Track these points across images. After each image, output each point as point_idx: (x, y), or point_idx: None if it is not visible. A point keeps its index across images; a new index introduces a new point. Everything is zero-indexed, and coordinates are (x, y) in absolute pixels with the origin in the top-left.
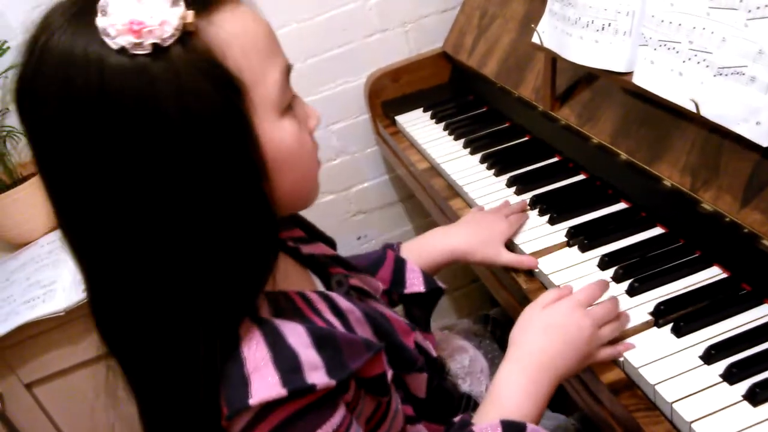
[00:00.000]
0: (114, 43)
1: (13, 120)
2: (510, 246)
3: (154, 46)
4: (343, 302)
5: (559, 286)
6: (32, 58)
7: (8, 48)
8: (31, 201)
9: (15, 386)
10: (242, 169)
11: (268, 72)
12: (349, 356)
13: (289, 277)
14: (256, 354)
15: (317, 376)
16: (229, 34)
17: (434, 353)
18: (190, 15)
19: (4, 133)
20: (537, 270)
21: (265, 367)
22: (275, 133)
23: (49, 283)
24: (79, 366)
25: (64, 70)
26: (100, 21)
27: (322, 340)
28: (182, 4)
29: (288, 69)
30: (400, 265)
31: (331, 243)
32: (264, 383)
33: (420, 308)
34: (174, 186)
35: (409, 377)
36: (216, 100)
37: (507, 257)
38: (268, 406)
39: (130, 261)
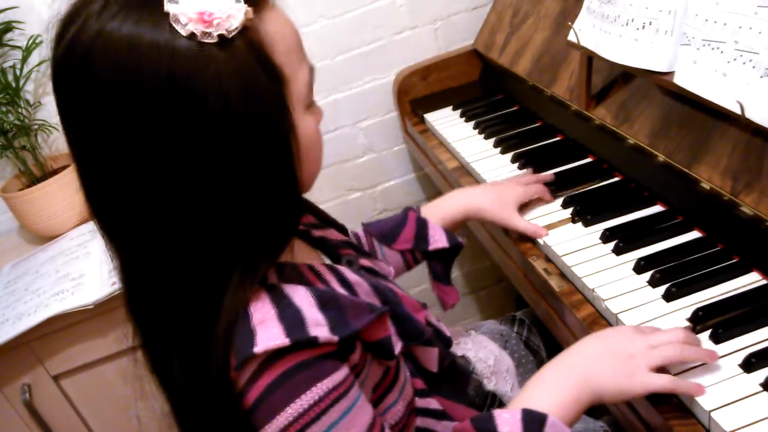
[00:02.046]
0: (185, 30)
1: (44, 113)
2: (539, 243)
3: (220, 36)
4: (350, 275)
5: (593, 290)
6: (83, 38)
7: (41, 42)
8: (61, 194)
9: (43, 378)
10: (282, 149)
11: (301, 70)
12: (353, 316)
13: (299, 254)
14: (262, 310)
15: (320, 330)
16: (274, 32)
17: (447, 332)
18: (250, 11)
19: (36, 127)
20: (570, 272)
21: (270, 321)
22: (304, 125)
23: (78, 275)
24: (106, 359)
25: (130, 54)
26: (171, 8)
27: (326, 301)
28: (242, 0)
29: (312, 70)
30: (422, 224)
31: (342, 230)
32: (269, 334)
33: (441, 264)
34: (225, 161)
35: (418, 350)
36: (269, 88)
37: (518, 221)
38: (273, 356)
39: (169, 228)
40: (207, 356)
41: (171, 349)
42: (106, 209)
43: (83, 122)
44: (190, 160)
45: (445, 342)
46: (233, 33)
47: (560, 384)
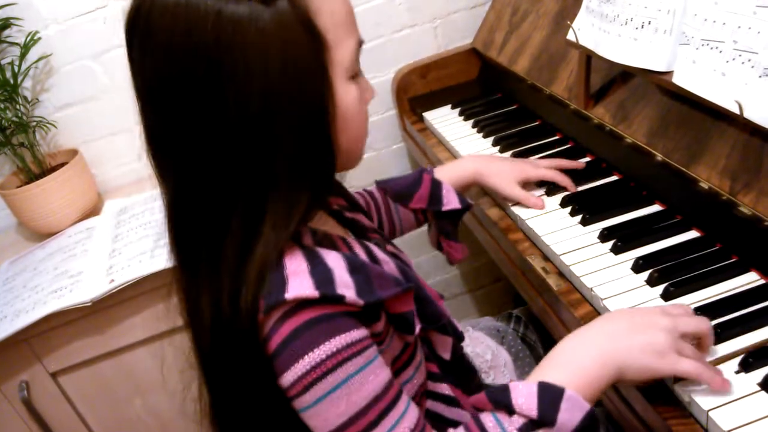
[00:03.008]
0: None
1: (42, 110)
2: (537, 241)
3: None
4: (379, 253)
5: (591, 288)
6: (145, 4)
7: (39, 39)
8: (59, 191)
9: (41, 375)
10: (320, 111)
11: (346, 40)
12: (379, 286)
13: (331, 231)
14: (295, 263)
15: (348, 292)
16: (322, 0)
17: (459, 327)
18: None
19: (34, 124)
20: (568, 271)
21: (302, 273)
22: (343, 92)
23: (76, 273)
24: (105, 356)
25: (179, 15)
26: None
27: (356, 267)
28: None
29: (360, 44)
30: (436, 185)
31: (369, 218)
32: (300, 284)
33: (450, 222)
34: (265, 118)
35: (434, 336)
36: (309, 50)
37: (512, 189)
38: (300, 304)
39: (213, 180)
40: (237, 297)
41: (205, 287)
42: (162, 149)
43: (145, 74)
44: (234, 111)
45: (458, 336)
46: None
47: (582, 359)
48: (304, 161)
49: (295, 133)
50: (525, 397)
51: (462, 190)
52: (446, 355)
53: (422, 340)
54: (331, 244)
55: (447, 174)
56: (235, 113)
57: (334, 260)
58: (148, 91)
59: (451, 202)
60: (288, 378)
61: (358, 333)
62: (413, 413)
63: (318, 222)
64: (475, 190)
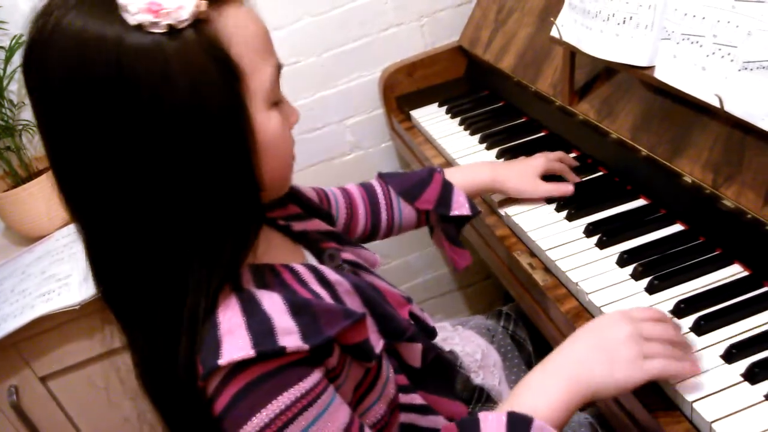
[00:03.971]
0: (133, 20)
1: (29, 114)
2: (523, 237)
3: (170, 27)
4: (331, 274)
5: (576, 283)
6: (43, 33)
7: (24, 42)
8: (46, 195)
9: (30, 379)
10: (236, 144)
11: (263, 66)
12: (326, 323)
13: (279, 252)
14: (231, 319)
15: (290, 339)
16: (234, 26)
17: (431, 322)
18: (203, 4)
19: (20, 127)
20: (554, 266)
21: (238, 330)
22: (263, 121)
23: (64, 276)
24: (94, 360)
25: (79, 47)
26: None
27: (298, 308)
28: None
29: (279, 68)
30: (447, 188)
31: (328, 218)
32: (234, 345)
33: (454, 227)
34: (175, 155)
35: (401, 346)
36: (219, 81)
37: (542, 187)
38: (238, 367)
39: (129, 222)
40: (174, 358)
41: (144, 349)
42: (72, 194)
43: (45, 113)
44: (142, 148)
45: (429, 333)
46: (183, 24)
47: (549, 386)
48: (224, 198)
49: (212, 169)
50: (494, 429)
51: (472, 196)
52: (416, 364)
53: (389, 352)
54: (274, 277)
55: (460, 178)
56: (142, 151)
57: (274, 304)
58: (50, 129)
59: (460, 207)
60: None
61: (308, 382)
62: None
63: (264, 246)
64: None
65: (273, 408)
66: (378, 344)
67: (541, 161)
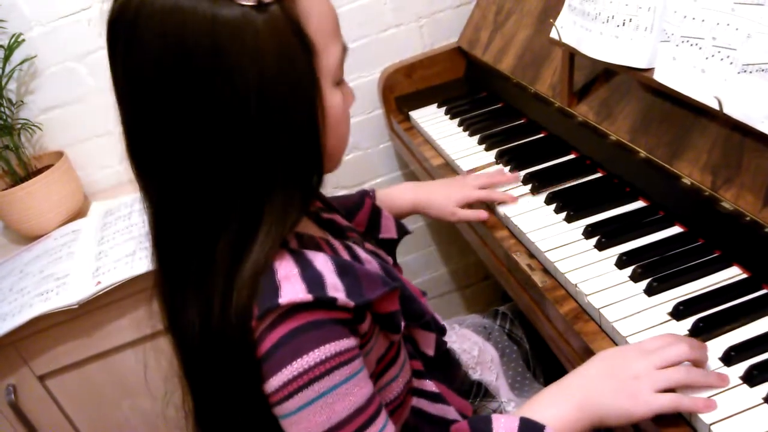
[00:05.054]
0: None
1: (27, 113)
2: (522, 239)
3: (258, 1)
4: (361, 252)
5: (575, 285)
6: (129, 8)
7: (23, 40)
8: (45, 194)
9: (28, 378)
10: (310, 116)
11: (332, 46)
12: (367, 287)
13: (314, 233)
14: (287, 268)
15: (339, 294)
16: (309, 6)
17: (441, 321)
18: None
19: (19, 126)
20: (553, 268)
21: (293, 277)
22: (330, 97)
23: (62, 275)
24: (92, 359)
25: (175, 21)
26: None
27: (344, 269)
28: None
29: (345, 50)
30: (376, 213)
31: (346, 217)
32: (292, 288)
33: (388, 249)
34: (257, 122)
35: (418, 333)
36: (301, 56)
37: (458, 213)
38: (294, 308)
39: (203, 180)
40: (229, 303)
41: (193, 295)
42: (146, 155)
43: (133, 79)
44: (226, 116)
45: (440, 330)
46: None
47: (560, 404)
48: (296, 165)
49: (288, 137)
50: (506, 429)
51: (400, 217)
52: (430, 351)
53: (405, 338)
54: (316, 246)
55: (387, 202)
56: (230, 118)
57: (322, 263)
58: (135, 96)
59: (389, 230)
60: (274, 383)
61: (347, 342)
62: (390, 429)
63: (299, 225)
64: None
65: (314, 356)
66: (400, 317)
67: (465, 191)
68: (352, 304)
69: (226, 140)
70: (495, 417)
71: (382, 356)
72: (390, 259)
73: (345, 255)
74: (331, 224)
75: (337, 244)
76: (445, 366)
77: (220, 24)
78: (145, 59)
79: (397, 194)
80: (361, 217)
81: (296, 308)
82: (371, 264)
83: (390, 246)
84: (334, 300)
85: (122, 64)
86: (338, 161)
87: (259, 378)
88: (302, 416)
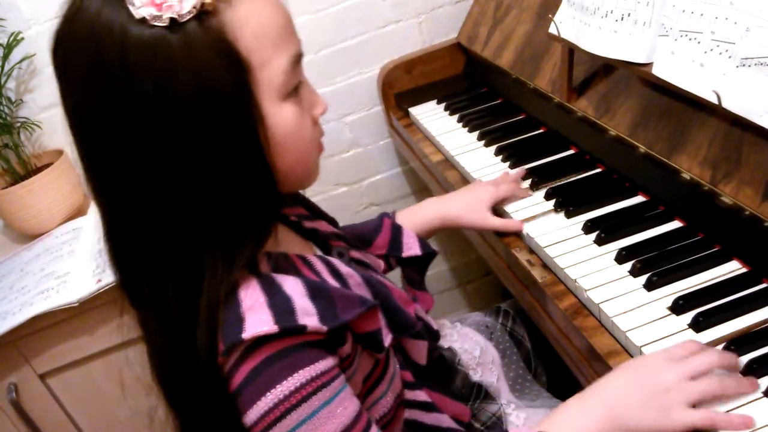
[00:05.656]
0: (137, 13)
1: (27, 111)
2: (524, 236)
3: (171, 20)
4: (342, 267)
5: (575, 280)
6: (67, 20)
7: (22, 39)
8: (44, 192)
9: (29, 376)
10: (245, 137)
11: (275, 57)
12: (342, 309)
13: (290, 246)
14: (252, 297)
15: (309, 320)
16: (243, 18)
17: (435, 325)
18: None
19: (18, 124)
20: (552, 263)
21: (259, 308)
22: (275, 114)
23: (63, 273)
24: (93, 357)
25: (91, 36)
26: None
27: (316, 292)
28: None
29: (298, 57)
30: (396, 231)
31: (332, 222)
32: (257, 320)
33: (416, 271)
34: (184, 149)
35: (408, 343)
36: (225, 74)
37: (492, 221)
38: (257, 342)
39: (147, 208)
40: (192, 337)
41: (160, 335)
42: (94, 176)
43: (65, 98)
44: (152, 138)
45: (433, 335)
46: (186, 17)
47: (584, 417)
48: (240, 191)
49: (223, 164)
50: None
51: (428, 235)
52: (422, 361)
53: (395, 348)
54: (289, 265)
55: (409, 219)
56: (155, 142)
57: (292, 286)
58: (72, 120)
59: (411, 247)
60: (251, 416)
61: (323, 364)
62: None
63: (275, 239)
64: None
65: (289, 384)
66: (387, 337)
67: (491, 192)
68: (324, 328)
69: (153, 167)
70: (512, 429)
71: (368, 375)
72: (381, 265)
73: (324, 272)
74: (315, 233)
75: (315, 261)
76: (440, 372)
77: (130, 44)
78: (74, 85)
79: (421, 211)
80: (382, 238)
81: (263, 340)
82: (353, 278)
83: (419, 264)
84: (303, 328)
85: (61, 91)
86: (306, 177)
87: (236, 411)
88: None
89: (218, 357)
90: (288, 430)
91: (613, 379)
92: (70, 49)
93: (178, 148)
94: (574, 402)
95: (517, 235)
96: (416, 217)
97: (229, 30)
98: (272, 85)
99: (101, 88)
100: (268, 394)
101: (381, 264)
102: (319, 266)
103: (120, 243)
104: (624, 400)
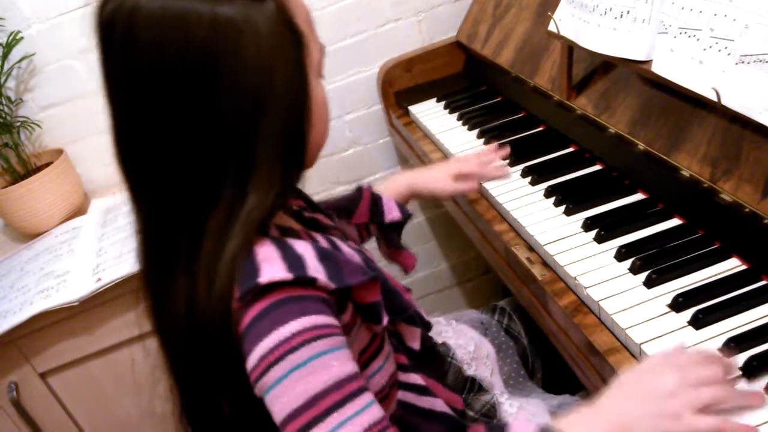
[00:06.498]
0: None
1: (27, 110)
2: (522, 232)
3: None
4: (343, 245)
5: (575, 278)
6: (122, 12)
7: (21, 38)
8: (44, 191)
9: (29, 375)
10: (301, 103)
11: (314, 42)
12: (347, 273)
13: (294, 227)
14: (267, 252)
15: (319, 275)
16: (294, 3)
17: (426, 317)
18: None
19: (18, 124)
20: (552, 261)
21: (274, 259)
22: (316, 90)
23: (62, 273)
24: (93, 356)
25: (174, 19)
26: None
27: (324, 255)
28: None
29: (323, 48)
30: (376, 199)
31: (329, 217)
32: (272, 269)
33: (395, 233)
34: (254, 111)
35: (402, 327)
36: (294, 46)
37: (453, 186)
38: (272, 286)
39: (199, 171)
40: (212, 287)
41: (179, 284)
42: (139, 154)
43: (130, 81)
44: (224, 107)
45: (425, 325)
46: None
47: (592, 426)
48: (284, 153)
49: (280, 128)
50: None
51: (402, 202)
52: (415, 345)
53: (390, 333)
54: (296, 236)
55: (384, 190)
56: (226, 112)
57: (303, 248)
58: (132, 96)
59: (392, 212)
60: (253, 358)
61: (326, 318)
62: (377, 412)
63: (279, 221)
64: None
65: (293, 326)
66: (384, 318)
67: (455, 166)
68: (332, 285)
69: (216, 133)
70: (512, 423)
71: (365, 348)
72: (374, 256)
73: (326, 245)
74: (314, 222)
75: (318, 236)
76: (432, 361)
77: (220, 22)
78: (145, 59)
79: (392, 181)
80: (362, 208)
81: (275, 285)
82: (353, 257)
83: (397, 228)
84: (314, 280)
85: (121, 64)
86: (314, 158)
87: (241, 358)
88: (280, 390)
89: (233, 302)
90: (283, 373)
91: (618, 388)
92: (143, 28)
93: (247, 113)
94: (583, 411)
95: (517, 232)
96: (390, 188)
97: (291, 10)
98: (314, 64)
99: (186, 64)
100: (271, 334)
101: (374, 256)
102: (322, 241)
103: (162, 207)
104: (632, 409)
